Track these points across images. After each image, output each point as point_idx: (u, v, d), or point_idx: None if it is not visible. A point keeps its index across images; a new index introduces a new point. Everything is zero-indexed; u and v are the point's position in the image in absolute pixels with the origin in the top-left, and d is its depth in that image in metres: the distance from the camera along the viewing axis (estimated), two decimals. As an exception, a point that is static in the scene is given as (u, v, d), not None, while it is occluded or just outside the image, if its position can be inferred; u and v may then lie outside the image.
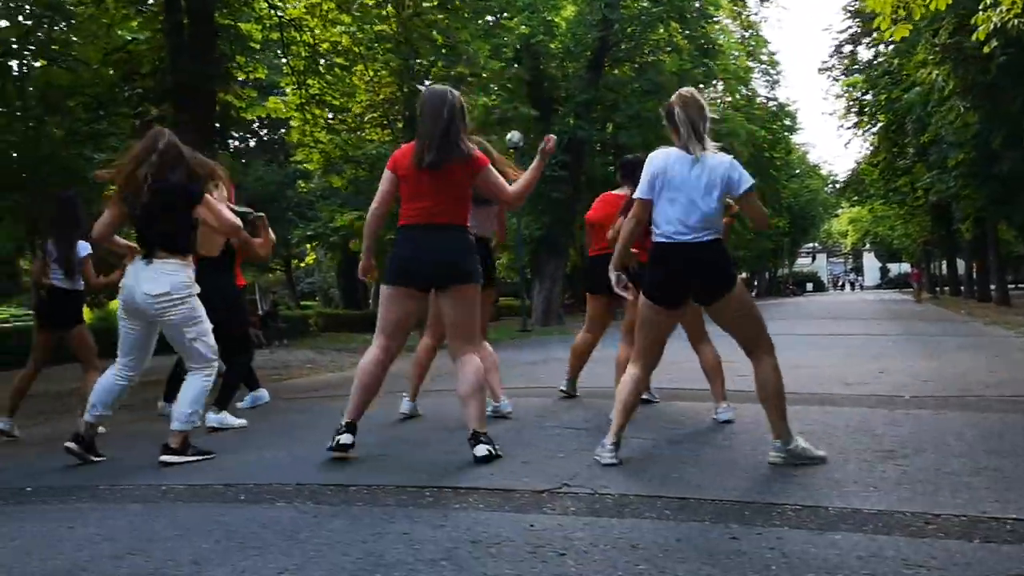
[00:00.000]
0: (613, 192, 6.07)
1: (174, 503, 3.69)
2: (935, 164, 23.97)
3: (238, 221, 4.91)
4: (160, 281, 4.53)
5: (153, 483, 4.09)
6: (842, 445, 4.23)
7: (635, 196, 3.99)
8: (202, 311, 4.71)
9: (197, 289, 4.70)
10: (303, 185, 23.74)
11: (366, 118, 17.66)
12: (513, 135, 19.69)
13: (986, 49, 11.85)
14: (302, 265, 42.52)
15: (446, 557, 2.72)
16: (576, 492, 3.49)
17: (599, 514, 3.20)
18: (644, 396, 5.73)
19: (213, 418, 5.69)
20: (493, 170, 4.42)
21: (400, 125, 18.02)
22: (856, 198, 50.12)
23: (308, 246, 25.64)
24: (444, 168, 4.25)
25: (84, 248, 6.15)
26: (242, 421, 5.89)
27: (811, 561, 2.62)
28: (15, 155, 14.42)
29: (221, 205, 4.81)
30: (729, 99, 36.21)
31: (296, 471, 4.17)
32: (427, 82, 15.64)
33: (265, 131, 26.17)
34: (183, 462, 4.50)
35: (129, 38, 10.87)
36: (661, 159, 3.93)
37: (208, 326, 4.73)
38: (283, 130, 22.47)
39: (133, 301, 4.60)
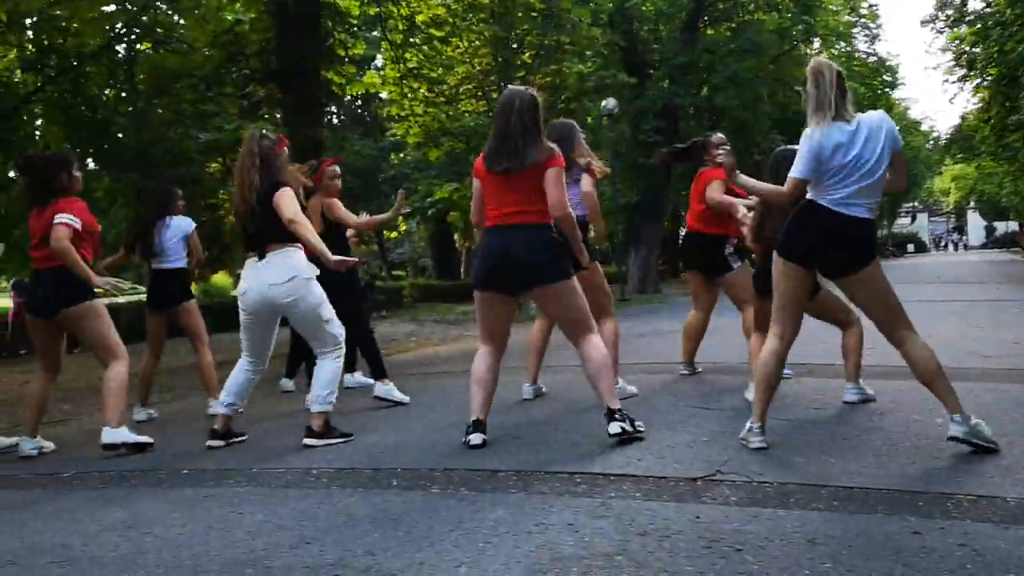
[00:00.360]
0: (707, 168, 5.91)
1: (329, 488, 3.75)
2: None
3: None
4: (283, 268, 4.64)
5: (302, 467, 4.18)
6: (1002, 426, 4.03)
7: (795, 176, 3.81)
8: (324, 296, 4.80)
9: (317, 271, 4.79)
10: (396, 157, 23.96)
11: (461, 89, 17.66)
12: (608, 102, 19.40)
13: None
14: (393, 236, 43.01)
15: (620, 551, 2.69)
16: (732, 480, 3.42)
17: (762, 504, 3.13)
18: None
19: (381, 388, 5.91)
20: (553, 176, 4.23)
21: (495, 96, 17.99)
22: (961, 155, 48.07)
23: (400, 219, 25.89)
24: (514, 171, 4.23)
25: (188, 224, 6.38)
26: (404, 396, 6.02)
27: (1005, 560, 2.51)
28: (124, 137, 14.88)
29: (289, 201, 4.66)
30: (827, 56, 34.99)
31: (439, 455, 4.21)
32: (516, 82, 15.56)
33: (357, 104, 26.46)
34: (326, 444, 4.60)
35: (235, 20, 11.00)
36: (819, 134, 3.75)
37: (331, 308, 4.81)
38: (378, 101, 22.76)
39: (259, 298, 4.67)
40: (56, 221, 4.83)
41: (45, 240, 4.91)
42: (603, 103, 19.32)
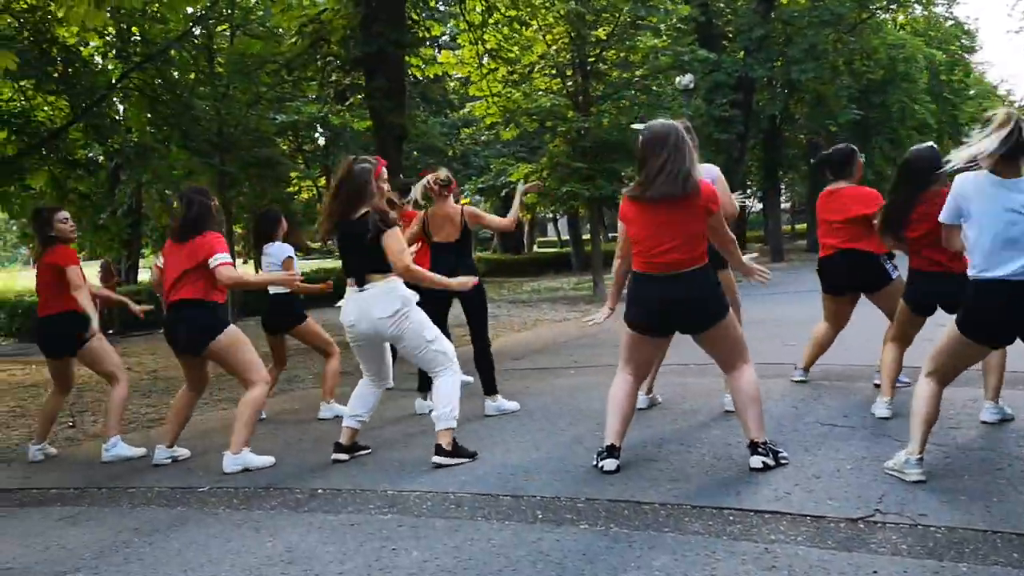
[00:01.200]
0: (834, 187, 5.75)
1: (475, 519, 3.74)
2: None
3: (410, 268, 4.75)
4: (389, 301, 4.64)
5: (439, 490, 4.18)
6: None
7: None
8: (427, 317, 4.79)
9: (417, 297, 4.79)
10: (467, 131, 23.87)
11: (536, 67, 17.50)
12: (685, 77, 19.07)
13: None
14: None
15: (808, 615, 2.63)
16: (896, 523, 3.32)
17: (939, 556, 3.02)
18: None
19: (491, 406, 5.91)
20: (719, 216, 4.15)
21: (569, 73, 17.79)
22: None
23: (466, 197, 25.95)
24: (663, 203, 4.04)
25: (283, 252, 6.42)
26: (514, 404, 6.02)
27: None
28: (204, 121, 15.07)
29: (397, 247, 4.63)
30: (904, 20, 33.93)
31: (574, 480, 4.17)
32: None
33: (425, 82, 26.40)
34: (455, 463, 4.61)
35: (320, 9, 11.01)
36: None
37: (435, 329, 4.81)
38: (448, 79, 22.69)
39: (370, 330, 4.69)
40: (217, 263, 4.98)
41: (183, 275, 5.05)
42: (678, 79, 19.01)
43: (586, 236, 40.29)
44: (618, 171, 16.76)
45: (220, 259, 5.00)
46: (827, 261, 5.81)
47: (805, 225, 42.82)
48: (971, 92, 54.73)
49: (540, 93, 17.30)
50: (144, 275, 23.36)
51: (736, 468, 4.13)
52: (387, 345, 4.94)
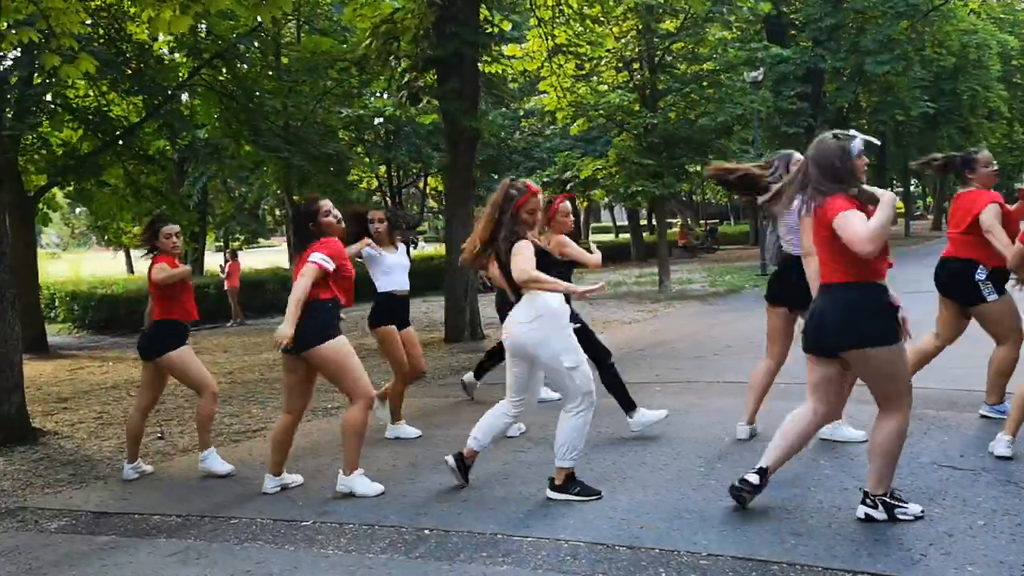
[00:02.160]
0: (965, 191, 5.60)
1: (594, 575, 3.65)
2: None
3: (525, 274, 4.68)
4: (530, 307, 4.64)
5: (551, 536, 4.09)
6: None
7: None
8: (575, 342, 4.68)
9: (566, 316, 4.69)
10: (528, 122, 23.71)
11: (603, 61, 17.28)
12: (752, 72, 18.71)
13: None
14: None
15: None
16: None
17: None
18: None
19: (636, 422, 5.89)
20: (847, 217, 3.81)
21: (636, 66, 17.54)
22: None
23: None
24: (816, 215, 3.94)
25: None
26: (660, 413, 5.98)
27: None
28: (273, 116, 15.15)
29: (518, 258, 4.59)
30: (976, 4, 32.88)
31: (691, 530, 4.04)
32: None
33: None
34: (565, 499, 4.55)
35: (396, 7, 10.92)
36: None
37: (583, 360, 4.68)
38: (512, 70, 22.51)
39: (512, 338, 4.74)
40: (309, 259, 4.93)
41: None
42: (747, 73, 18.64)
43: (643, 222, 40.01)
44: (686, 167, 16.50)
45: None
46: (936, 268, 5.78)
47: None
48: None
49: (606, 87, 17.09)
50: (210, 265, 23.74)
51: (864, 527, 3.97)
52: (536, 377, 4.93)
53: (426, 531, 4.34)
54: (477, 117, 11.59)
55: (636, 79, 17.37)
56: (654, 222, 28.36)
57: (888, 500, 3.98)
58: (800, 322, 5.03)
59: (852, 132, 4.06)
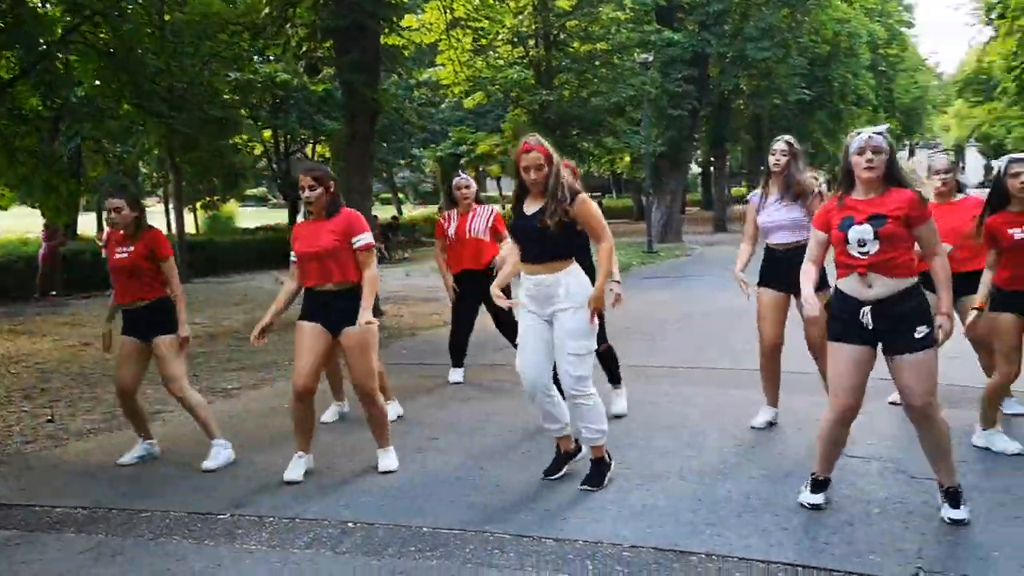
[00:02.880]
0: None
1: None
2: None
3: None
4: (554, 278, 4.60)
5: (510, 532, 4.18)
6: None
7: None
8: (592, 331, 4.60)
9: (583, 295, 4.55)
10: (419, 92, 23.46)
11: (499, 36, 17.28)
12: (643, 54, 19.06)
13: None
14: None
15: None
16: (942, 584, 3.44)
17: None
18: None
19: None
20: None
21: (532, 43, 17.61)
22: (976, 99, 47.79)
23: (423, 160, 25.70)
24: None
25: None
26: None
27: None
28: (157, 78, 14.54)
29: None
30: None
31: (739, 534, 4.09)
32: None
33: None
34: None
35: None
36: None
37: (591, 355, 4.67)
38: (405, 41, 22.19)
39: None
40: (361, 244, 4.91)
41: (322, 257, 4.88)
42: (639, 56, 18.99)
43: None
44: (579, 146, 16.73)
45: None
46: None
47: (744, 189, 43.57)
48: (904, 66, 56.17)
49: (502, 63, 17.12)
50: (84, 230, 22.62)
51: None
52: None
53: (350, 524, 4.36)
54: (377, 89, 11.43)
55: (531, 55, 17.46)
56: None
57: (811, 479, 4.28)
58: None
59: (876, 129, 3.96)
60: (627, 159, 28.92)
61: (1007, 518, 4.05)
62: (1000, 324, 4.81)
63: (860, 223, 3.86)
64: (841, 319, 3.98)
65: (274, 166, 23.43)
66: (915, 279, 3.87)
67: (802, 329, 5.45)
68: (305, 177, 4.94)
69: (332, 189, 4.97)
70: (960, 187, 5.64)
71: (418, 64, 20.51)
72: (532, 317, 4.67)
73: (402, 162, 26.74)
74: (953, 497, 3.98)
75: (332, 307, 4.94)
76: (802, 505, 4.23)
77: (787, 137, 5.57)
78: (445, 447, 5.60)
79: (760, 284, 5.60)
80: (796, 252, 5.01)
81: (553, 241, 4.49)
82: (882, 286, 3.84)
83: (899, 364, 3.88)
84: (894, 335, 3.87)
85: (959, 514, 3.95)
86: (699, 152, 32.56)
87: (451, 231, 7.20)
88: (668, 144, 22.87)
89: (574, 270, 4.58)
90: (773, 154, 5.46)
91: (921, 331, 3.83)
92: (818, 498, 4.23)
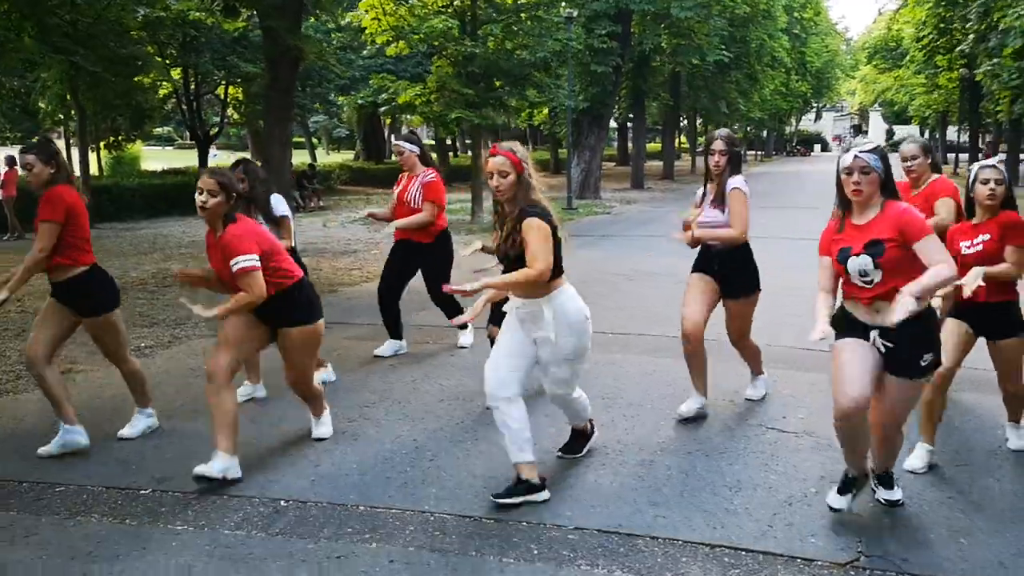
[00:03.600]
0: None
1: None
2: (992, 51, 23.25)
3: None
4: None
5: (452, 512, 4.07)
6: None
7: None
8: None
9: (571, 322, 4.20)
10: (335, 37, 22.75)
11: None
12: (567, 9, 18.88)
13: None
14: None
15: None
16: (883, 570, 3.48)
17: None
18: None
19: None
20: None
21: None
22: (884, 65, 49.16)
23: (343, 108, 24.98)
24: None
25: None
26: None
27: None
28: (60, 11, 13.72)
29: None
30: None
31: (611, 506, 4.13)
32: None
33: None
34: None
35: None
36: None
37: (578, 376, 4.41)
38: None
39: None
40: (237, 268, 4.35)
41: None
42: (564, 9, 18.78)
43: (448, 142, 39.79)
44: (505, 101, 16.50)
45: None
46: None
47: (659, 145, 43.98)
48: (816, 30, 57.38)
49: (427, 11, 16.67)
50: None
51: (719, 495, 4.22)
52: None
53: (282, 502, 4.19)
54: (300, 35, 10.96)
55: (456, 4, 17.05)
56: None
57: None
58: None
59: (865, 145, 3.64)
60: (545, 112, 28.79)
61: (940, 500, 4.14)
62: (946, 323, 4.50)
63: (857, 254, 3.59)
64: (848, 334, 3.73)
65: (184, 107, 22.46)
66: (927, 303, 3.57)
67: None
68: (208, 180, 4.36)
69: (232, 202, 4.42)
70: (935, 167, 5.35)
71: (339, 5, 19.87)
72: (518, 328, 4.25)
73: (318, 106, 25.96)
74: (887, 480, 4.02)
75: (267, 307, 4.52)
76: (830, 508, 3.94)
77: (725, 133, 5.30)
78: (376, 417, 5.44)
79: (693, 271, 5.40)
80: (728, 251, 5.19)
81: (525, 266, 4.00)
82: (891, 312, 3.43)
83: (890, 383, 3.67)
84: (898, 353, 3.60)
85: (894, 495, 4.00)
86: (617, 108, 32.55)
87: (395, 194, 6.82)
88: (591, 100, 22.81)
89: (559, 295, 4.11)
90: (712, 155, 5.20)
91: (926, 359, 3.61)
92: (840, 501, 3.91)
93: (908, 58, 40.04)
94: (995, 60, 23.18)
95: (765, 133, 64.44)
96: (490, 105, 16.21)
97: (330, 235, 15.99)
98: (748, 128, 53.76)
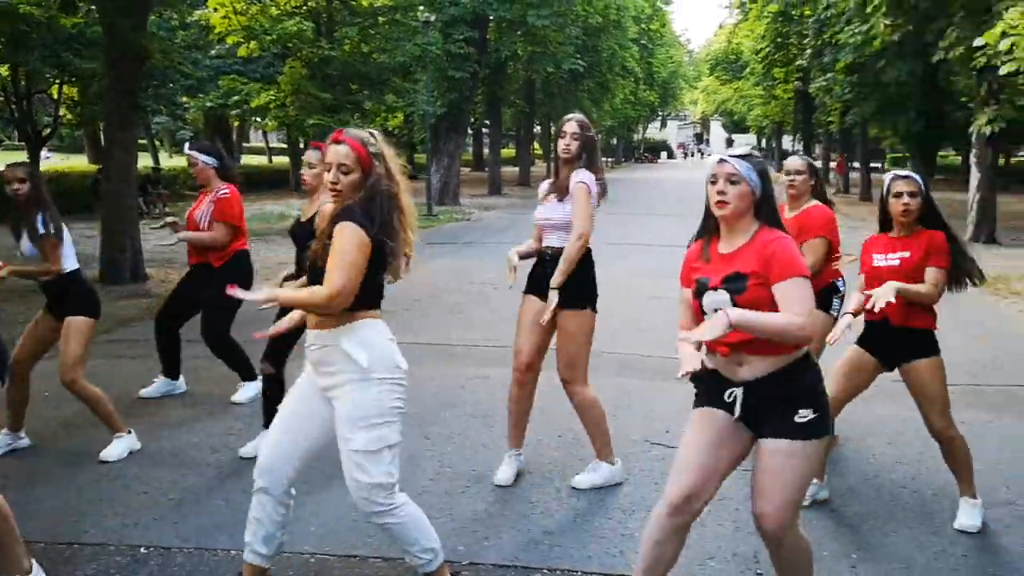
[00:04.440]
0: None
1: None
2: (826, 66, 24.61)
3: None
4: None
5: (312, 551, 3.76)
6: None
7: None
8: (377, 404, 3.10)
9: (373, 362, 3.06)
10: (180, 35, 21.66)
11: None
12: (425, 14, 18.70)
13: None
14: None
15: None
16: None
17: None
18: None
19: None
20: None
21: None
22: (725, 77, 51.49)
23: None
24: None
25: None
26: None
27: None
28: None
29: None
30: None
31: (504, 537, 3.89)
32: None
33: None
34: None
35: None
36: None
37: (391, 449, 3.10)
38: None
39: None
40: None
41: None
42: (423, 15, 18.58)
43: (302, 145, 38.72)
44: (363, 105, 16.12)
45: None
46: None
47: (514, 151, 44.35)
48: (662, 41, 59.55)
49: (279, 12, 16.11)
50: None
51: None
52: None
53: (142, 549, 3.78)
54: (146, 33, 10.28)
55: (311, 5, 16.55)
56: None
57: None
58: None
59: (735, 150, 2.93)
60: (400, 118, 28.43)
61: (838, 519, 4.17)
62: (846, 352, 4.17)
63: (715, 287, 2.81)
64: (703, 389, 2.97)
65: (12, 106, 20.81)
66: (801, 353, 2.78)
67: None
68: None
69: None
70: (820, 192, 4.72)
71: (184, 1, 18.93)
72: (307, 381, 3.20)
73: (163, 108, 24.67)
74: None
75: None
76: None
77: (580, 116, 4.45)
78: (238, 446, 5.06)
79: (525, 291, 4.62)
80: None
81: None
82: (757, 366, 2.78)
83: (763, 451, 2.80)
84: (764, 416, 2.79)
85: None
86: (473, 115, 32.62)
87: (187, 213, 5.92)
88: (449, 106, 22.67)
89: (361, 327, 3.03)
90: (562, 136, 4.35)
91: (804, 415, 2.74)
92: None
93: (748, 70, 42.04)
94: (828, 75, 24.50)
95: (615, 141, 66.24)
96: (347, 109, 15.79)
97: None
98: (599, 135, 55.12)
